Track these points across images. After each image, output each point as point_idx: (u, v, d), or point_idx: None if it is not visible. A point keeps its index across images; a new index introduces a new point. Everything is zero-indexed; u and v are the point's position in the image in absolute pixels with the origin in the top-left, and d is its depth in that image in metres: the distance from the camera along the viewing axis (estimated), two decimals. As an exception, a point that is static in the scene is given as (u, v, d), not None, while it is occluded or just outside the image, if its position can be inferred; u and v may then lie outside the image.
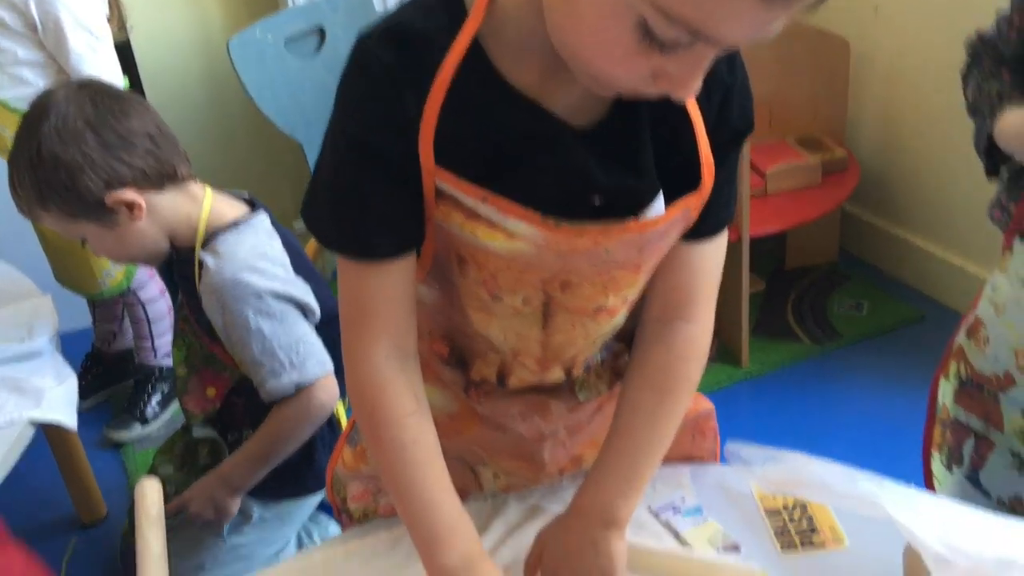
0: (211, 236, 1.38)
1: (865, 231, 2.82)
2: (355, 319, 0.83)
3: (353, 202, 0.79)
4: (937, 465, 1.35)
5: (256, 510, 1.55)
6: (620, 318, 0.90)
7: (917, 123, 2.56)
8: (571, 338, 0.88)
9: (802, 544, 0.99)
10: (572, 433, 1.02)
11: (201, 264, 1.36)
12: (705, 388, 1.14)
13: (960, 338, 1.29)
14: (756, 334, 2.54)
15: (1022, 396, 1.21)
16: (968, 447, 1.29)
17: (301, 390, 1.37)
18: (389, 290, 0.82)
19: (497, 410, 0.97)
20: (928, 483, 1.36)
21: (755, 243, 2.38)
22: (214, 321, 1.38)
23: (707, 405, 1.14)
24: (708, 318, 0.91)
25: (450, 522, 0.84)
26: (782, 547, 0.99)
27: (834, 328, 2.56)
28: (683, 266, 0.88)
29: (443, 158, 0.76)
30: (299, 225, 2.88)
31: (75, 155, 1.28)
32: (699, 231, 0.86)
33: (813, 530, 1.00)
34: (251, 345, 1.35)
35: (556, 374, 0.93)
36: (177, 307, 1.55)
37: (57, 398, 1.55)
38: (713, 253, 0.89)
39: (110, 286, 2.19)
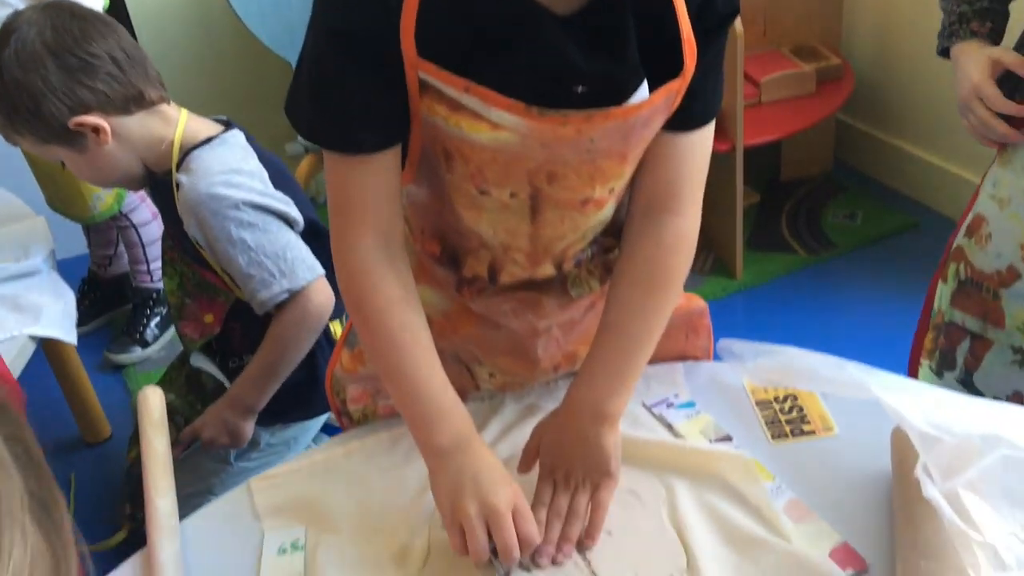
0: (184, 155, 1.37)
1: (860, 140, 2.81)
2: (341, 211, 0.85)
3: (336, 95, 0.79)
4: (925, 372, 1.36)
5: (264, 437, 1.57)
6: (608, 210, 0.90)
7: (913, 30, 2.53)
8: (560, 231, 0.89)
9: (792, 433, 1.01)
10: (565, 330, 1.03)
11: (179, 186, 1.36)
12: (699, 300, 1.15)
13: (959, 239, 1.29)
14: (750, 246, 2.54)
15: None
16: (962, 349, 1.30)
17: (295, 296, 1.37)
18: (373, 183, 0.83)
19: (490, 307, 0.98)
20: None
21: (750, 155, 2.36)
22: (198, 240, 1.37)
23: (700, 303, 1.15)
24: (695, 212, 0.92)
25: (441, 403, 0.87)
26: (773, 437, 1.01)
27: (828, 238, 2.57)
28: (669, 158, 0.88)
29: (425, 49, 0.76)
30: (290, 147, 2.85)
31: (36, 80, 1.27)
32: (685, 121, 0.86)
33: (803, 420, 1.02)
34: (237, 258, 1.34)
35: (547, 269, 0.94)
36: (163, 236, 1.54)
37: (55, 314, 1.55)
38: (700, 145, 0.89)
39: (101, 210, 2.18)
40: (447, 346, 1.07)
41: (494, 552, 0.85)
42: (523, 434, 1.04)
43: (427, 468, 0.88)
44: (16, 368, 1.47)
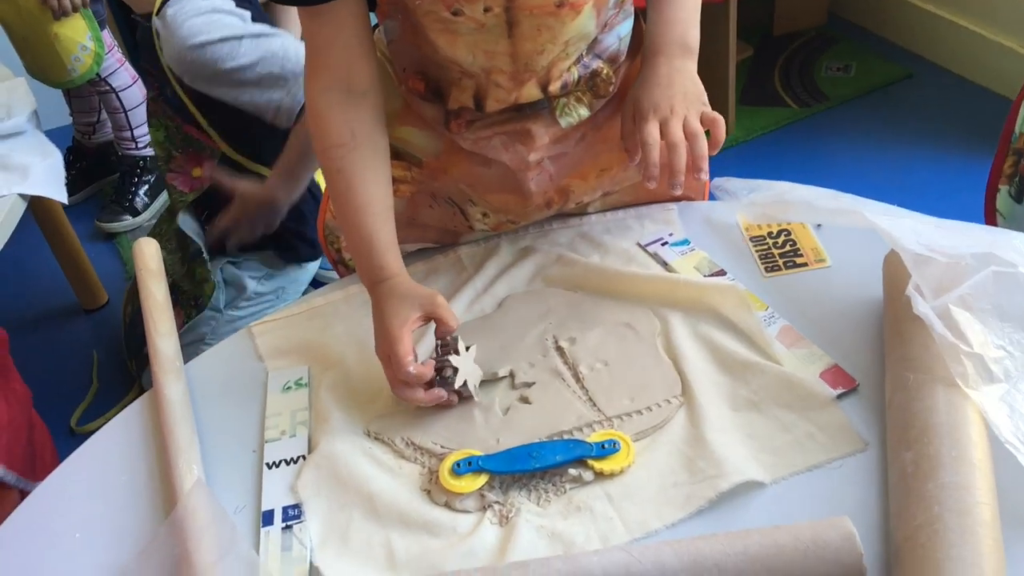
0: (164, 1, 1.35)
1: (855, -9, 2.74)
2: (307, 56, 0.88)
3: None
4: (1004, 199, 1.29)
5: (250, 284, 1.58)
6: (587, 19, 0.87)
7: None
8: (538, 44, 0.87)
9: (785, 266, 1.02)
10: (556, 163, 1.02)
11: (157, 34, 1.34)
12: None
13: None
14: (743, 101, 2.52)
15: None
16: None
17: None
18: (330, 32, 0.85)
19: (480, 142, 0.97)
20: (990, 220, 1.33)
21: (743, 9, 2.31)
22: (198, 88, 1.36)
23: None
24: None
25: (369, 244, 0.90)
26: (766, 270, 1.02)
27: (821, 91, 2.53)
28: None
29: None
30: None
31: None
32: None
33: (796, 253, 1.03)
34: (239, 96, 1.34)
35: (532, 91, 0.92)
36: (148, 88, 1.52)
37: (43, 173, 1.54)
38: None
39: (81, 72, 2.13)
40: (439, 188, 1.06)
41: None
42: (520, 272, 1.06)
43: None
44: (6, 229, 1.46)
